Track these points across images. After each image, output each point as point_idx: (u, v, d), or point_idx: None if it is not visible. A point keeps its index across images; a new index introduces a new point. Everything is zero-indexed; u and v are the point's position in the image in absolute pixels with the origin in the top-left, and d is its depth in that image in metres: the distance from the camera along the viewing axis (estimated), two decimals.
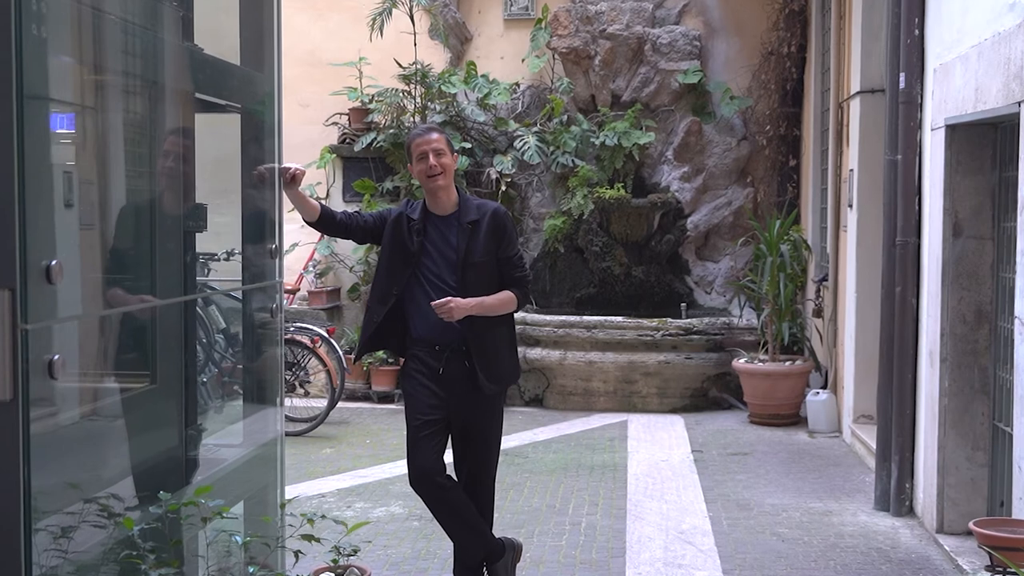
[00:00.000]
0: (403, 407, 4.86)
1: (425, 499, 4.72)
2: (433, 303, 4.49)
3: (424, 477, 4.63)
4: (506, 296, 4.70)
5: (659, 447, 8.28)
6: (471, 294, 4.58)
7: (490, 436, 4.82)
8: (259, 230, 4.43)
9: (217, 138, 4.68)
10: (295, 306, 10.53)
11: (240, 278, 4.42)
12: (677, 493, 6.93)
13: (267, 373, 4.51)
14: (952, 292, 5.77)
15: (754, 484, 7.14)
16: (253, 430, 4.51)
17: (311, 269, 10.89)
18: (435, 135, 4.66)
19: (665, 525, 6.21)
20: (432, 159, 4.58)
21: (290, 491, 7.06)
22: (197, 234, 4.23)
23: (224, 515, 3.34)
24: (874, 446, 7.32)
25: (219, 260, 5.96)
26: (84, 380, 3.40)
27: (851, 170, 8.19)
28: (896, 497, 6.33)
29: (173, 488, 3.88)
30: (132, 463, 3.66)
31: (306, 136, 11.19)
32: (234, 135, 4.41)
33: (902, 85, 6.28)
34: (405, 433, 4.76)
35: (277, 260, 4.46)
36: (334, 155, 10.92)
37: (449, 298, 4.51)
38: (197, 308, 6.47)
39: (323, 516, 3.65)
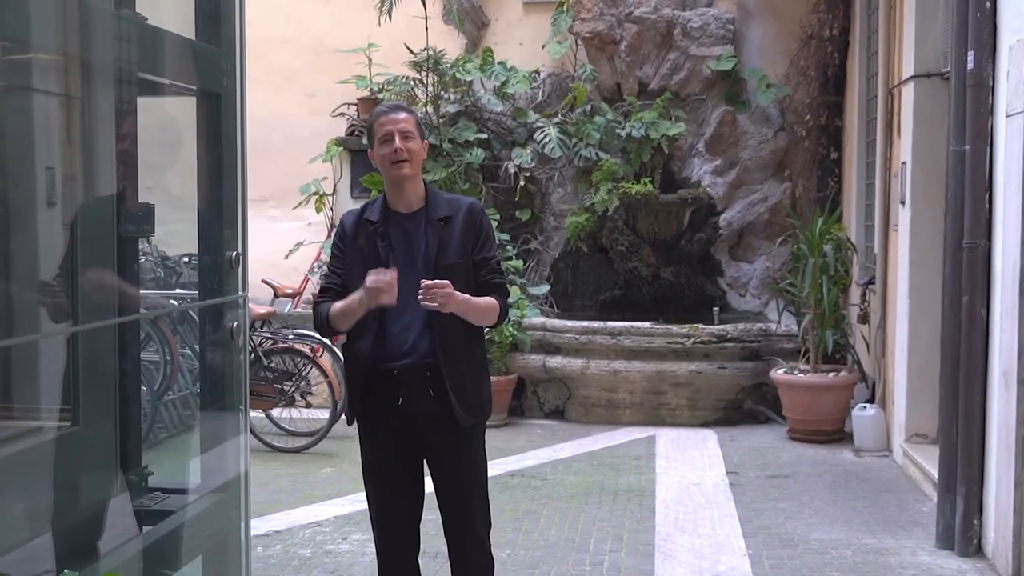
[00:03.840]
0: None
1: None
2: (424, 284, 3.61)
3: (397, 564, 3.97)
4: (491, 303, 3.87)
5: (690, 467, 7.54)
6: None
7: (470, 485, 3.95)
8: (217, 235, 3.73)
9: (167, 126, 3.99)
10: (299, 310, 9.85)
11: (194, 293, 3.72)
12: (711, 525, 6.19)
13: (227, 404, 3.81)
14: None
15: (797, 514, 6.38)
16: (212, 471, 3.81)
17: (316, 270, 10.22)
18: (403, 114, 3.87)
19: (699, 566, 5.48)
20: (398, 142, 3.81)
21: (284, 518, 6.44)
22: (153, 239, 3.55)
23: None
24: (930, 469, 6.61)
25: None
26: None
27: (903, 163, 7.43)
28: (962, 535, 5.56)
29: (104, 552, 3.20)
30: (40, 527, 2.97)
31: (313, 128, 10.60)
32: (188, 121, 3.71)
33: (970, 66, 5.51)
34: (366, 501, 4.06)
35: (239, 271, 3.75)
36: (341, 148, 10.25)
37: (445, 281, 3.65)
38: (171, 319, 5.82)
39: None
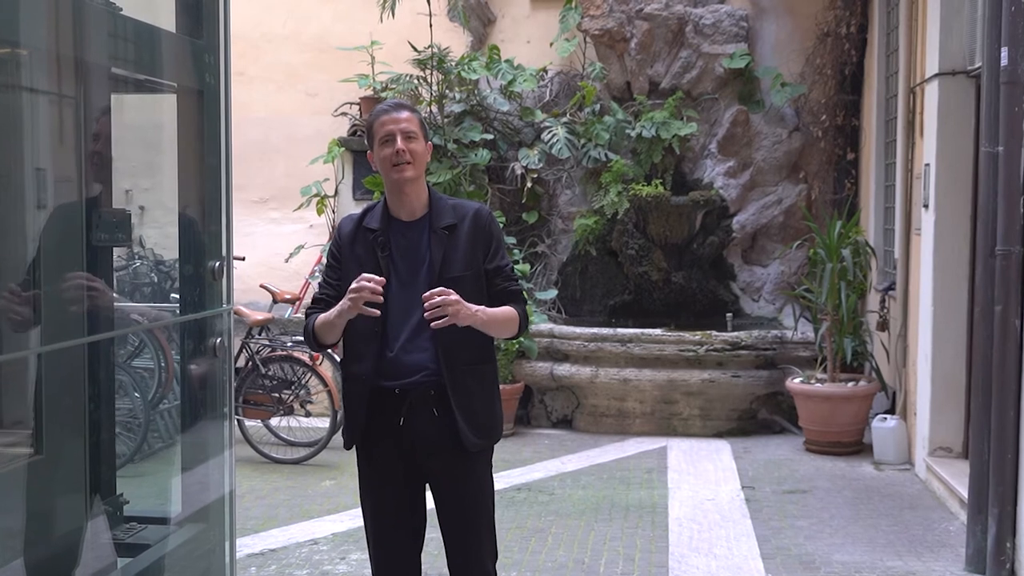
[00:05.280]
0: None
1: None
2: (428, 295, 3.33)
3: None
4: (510, 313, 3.59)
5: (704, 481, 7.24)
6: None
7: (474, 512, 3.66)
8: (199, 243, 3.44)
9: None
10: (299, 315, 9.57)
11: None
12: (727, 545, 5.89)
13: (210, 428, 3.53)
14: None
15: (818, 533, 6.08)
16: (194, 498, 3.53)
17: (317, 274, 9.93)
18: (405, 113, 3.57)
19: None
20: (400, 143, 3.51)
21: (280, 535, 6.17)
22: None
23: None
24: (956, 486, 6.34)
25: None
26: None
27: (926, 165, 7.13)
28: (994, 558, 5.26)
29: None
30: (7, 557, 2.70)
31: (315, 128, 10.33)
32: (168, 120, 3.43)
33: (1004, 62, 5.21)
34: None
35: (224, 281, 3.46)
36: (343, 148, 9.95)
37: (449, 290, 3.37)
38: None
39: None
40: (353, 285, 3.37)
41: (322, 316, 3.53)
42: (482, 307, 3.48)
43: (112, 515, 3.25)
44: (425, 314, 3.36)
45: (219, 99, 3.42)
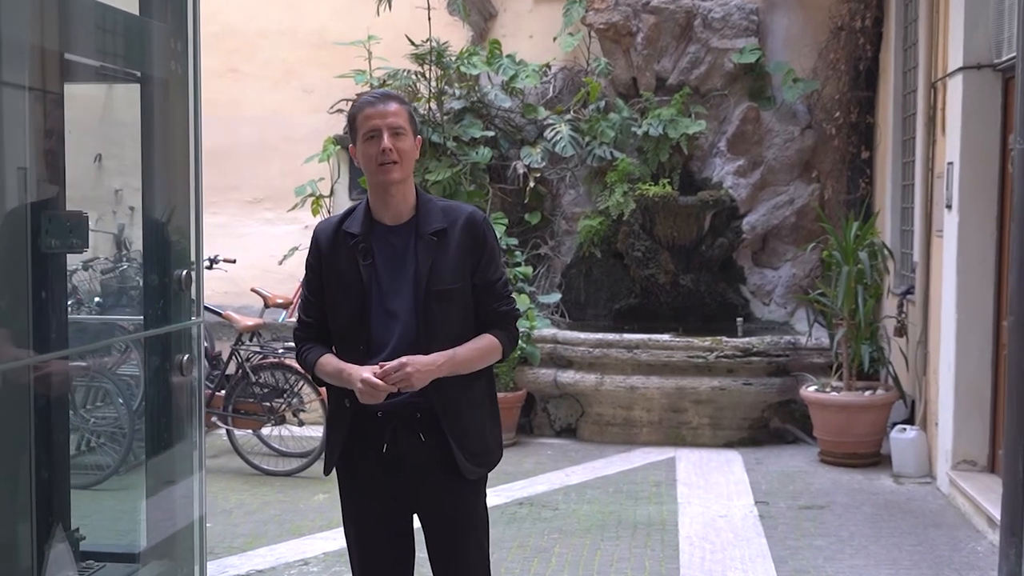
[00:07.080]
0: None
1: None
2: (380, 372, 3.03)
3: None
4: (487, 344, 3.24)
5: (715, 496, 6.90)
6: (436, 334, 3.15)
7: (466, 549, 3.32)
8: (165, 249, 3.10)
9: (105, 118, 3.37)
10: (293, 319, 9.23)
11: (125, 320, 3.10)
12: (742, 567, 5.55)
13: (176, 451, 3.19)
14: None
15: (837, 554, 5.74)
16: (158, 529, 3.19)
17: None
18: (393, 106, 3.19)
19: None
20: (387, 139, 3.15)
21: (268, 555, 5.84)
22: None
23: None
24: (983, 502, 6.04)
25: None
26: None
27: (949, 163, 6.79)
28: None
29: None
30: None
31: (312, 126, 10.00)
32: (131, 112, 3.09)
33: None
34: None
35: (194, 291, 3.13)
36: (338, 147, 9.60)
37: (403, 359, 3.04)
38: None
39: None
40: (359, 385, 3.06)
41: (328, 367, 3.20)
42: (446, 354, 3.14)
43: (67, 552, 2.91)
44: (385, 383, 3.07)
45: (187, 89, 3.09)
